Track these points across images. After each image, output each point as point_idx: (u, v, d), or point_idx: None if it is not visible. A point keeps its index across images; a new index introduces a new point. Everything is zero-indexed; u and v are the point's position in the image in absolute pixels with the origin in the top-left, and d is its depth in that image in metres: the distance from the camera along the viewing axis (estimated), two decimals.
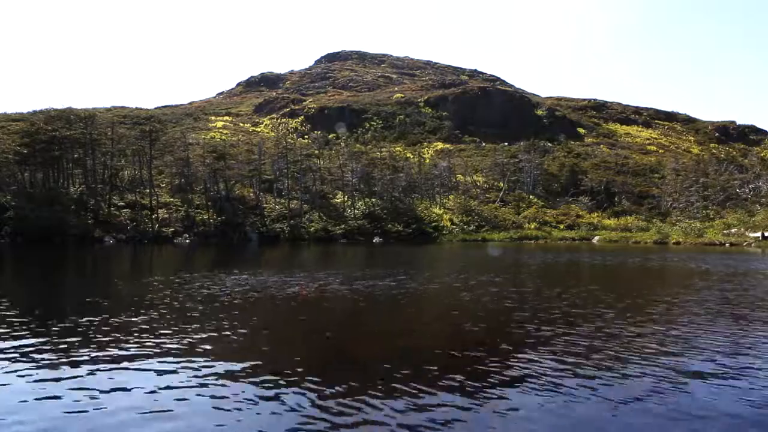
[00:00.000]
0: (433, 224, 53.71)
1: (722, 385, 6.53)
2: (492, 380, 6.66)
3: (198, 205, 50.13)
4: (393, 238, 48.77)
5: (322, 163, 62.87)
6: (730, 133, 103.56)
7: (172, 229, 45.93)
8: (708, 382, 6.66)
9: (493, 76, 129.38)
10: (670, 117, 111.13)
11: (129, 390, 6.22)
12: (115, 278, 19.34)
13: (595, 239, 50.23)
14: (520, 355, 7.85)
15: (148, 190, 49.49)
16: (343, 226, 50.13)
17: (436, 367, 7.18)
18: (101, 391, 6.15)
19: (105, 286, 16.76)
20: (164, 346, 8.24)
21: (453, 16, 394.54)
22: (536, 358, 7.63)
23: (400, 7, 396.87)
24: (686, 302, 13.30)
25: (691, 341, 8.83)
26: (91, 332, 9.17)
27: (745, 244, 42.64)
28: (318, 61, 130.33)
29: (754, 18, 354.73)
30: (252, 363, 7.36)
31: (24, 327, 9.44)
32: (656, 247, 42.72)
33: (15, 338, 8.66)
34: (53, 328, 9.43)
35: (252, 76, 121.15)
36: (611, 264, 26.05)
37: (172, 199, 51.20)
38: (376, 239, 48.50)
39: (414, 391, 6.17)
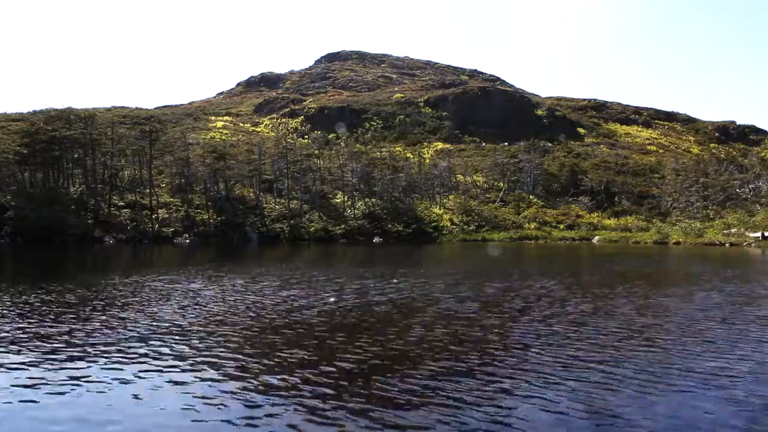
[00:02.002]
0: (433, 224, 53.63)
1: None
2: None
3: (198, 205, 50.11)
4: (393, 238, 48.72)
5: (322, 163, 62.80)
6: (730, 133, 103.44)
7: (172, 229, 45.92)
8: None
9: (493, 76, 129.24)
10: (670, 117, 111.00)
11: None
12: (112, 277, 19.33)
13: (595, 239, 50.20)
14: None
15: (148, 190, 49.48)
16: (343, 226, 50.08)
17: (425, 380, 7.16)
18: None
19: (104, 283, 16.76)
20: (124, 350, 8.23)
21: (453, 16, 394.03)
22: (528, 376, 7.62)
23: (400, 7, 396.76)
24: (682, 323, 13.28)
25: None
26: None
27: (745, 244, 42.61)
28: (318, 61, 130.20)
29: (754, 18, 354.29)
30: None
31: None
32: (656, 247, 42.68)
33: None
34: None
35: (252, 76, 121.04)
36: (609, 267, 26.03)
37: (172, 199, 51.18)
38: (376, 239, 48.46)
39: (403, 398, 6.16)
